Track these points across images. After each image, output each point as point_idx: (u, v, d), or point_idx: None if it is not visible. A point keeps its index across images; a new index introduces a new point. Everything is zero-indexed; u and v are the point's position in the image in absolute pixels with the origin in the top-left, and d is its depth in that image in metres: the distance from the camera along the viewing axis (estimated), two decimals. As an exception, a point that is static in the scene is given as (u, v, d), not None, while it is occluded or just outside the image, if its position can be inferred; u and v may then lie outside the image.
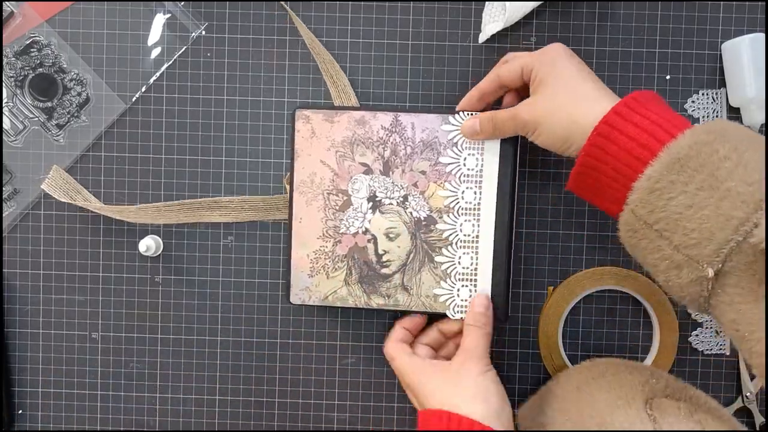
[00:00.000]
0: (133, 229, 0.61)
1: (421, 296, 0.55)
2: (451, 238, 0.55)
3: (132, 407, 0.61)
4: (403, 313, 0.57)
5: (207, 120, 0.60)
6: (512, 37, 0.59)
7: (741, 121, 0.58)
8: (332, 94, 0.58)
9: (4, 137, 0.60)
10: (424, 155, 0.55)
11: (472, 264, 0.55)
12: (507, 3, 0.57)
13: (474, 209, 0.55)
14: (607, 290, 0.60)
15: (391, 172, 0.55)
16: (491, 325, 0.54)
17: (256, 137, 0.60)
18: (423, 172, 0.55)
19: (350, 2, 0.59)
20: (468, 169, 0.54)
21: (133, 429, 0.61)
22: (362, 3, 0.59)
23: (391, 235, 0.55)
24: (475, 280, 0.55)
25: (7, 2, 0.58)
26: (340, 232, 0.56)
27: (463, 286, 0.55)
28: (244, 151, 0.60)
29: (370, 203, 0.55)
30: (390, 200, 0.55)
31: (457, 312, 0.55)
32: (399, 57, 0.59)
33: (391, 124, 0.55)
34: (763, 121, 0.56)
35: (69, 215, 0.60)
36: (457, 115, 0.54)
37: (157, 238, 0.60)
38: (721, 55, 0.59)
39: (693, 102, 0.59)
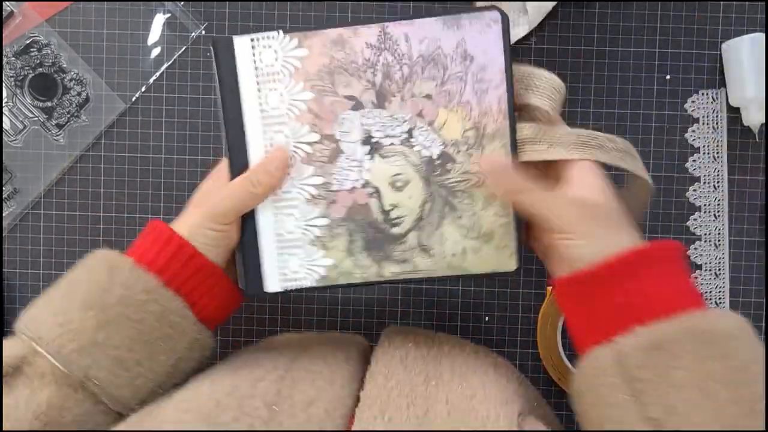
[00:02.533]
0: (133, 229, 0.60)
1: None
2: None
3: (132, 407, 0.61)
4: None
5: (207, 120, 0.60)
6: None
7: (741, 121, 0.58)
8: None
9: (4, 137, 0.60)
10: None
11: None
12: (528, 3, 0.56)
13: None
14: None
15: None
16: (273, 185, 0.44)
17: (256, 137, 0.60)
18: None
19: (350, 2, 0.59)
20: None
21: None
22: (362, 3, 0.59)
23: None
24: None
25: (7, 2, 0.58)
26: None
27: None
28: (244, 151, 0.60)
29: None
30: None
31: None
32: (399, 57, 0.59)
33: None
34: (763, 121, 0.56)
35: (69, 215, 0.60)
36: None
37: (157, 238, 0.60)
38: (721, 55, 0.59)
39: (693, 102, 0.59)
